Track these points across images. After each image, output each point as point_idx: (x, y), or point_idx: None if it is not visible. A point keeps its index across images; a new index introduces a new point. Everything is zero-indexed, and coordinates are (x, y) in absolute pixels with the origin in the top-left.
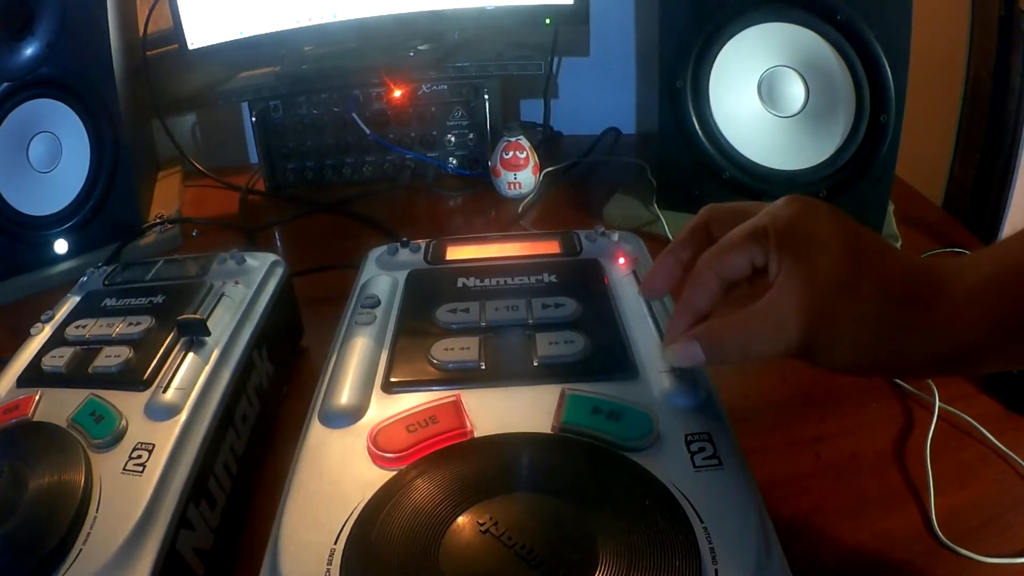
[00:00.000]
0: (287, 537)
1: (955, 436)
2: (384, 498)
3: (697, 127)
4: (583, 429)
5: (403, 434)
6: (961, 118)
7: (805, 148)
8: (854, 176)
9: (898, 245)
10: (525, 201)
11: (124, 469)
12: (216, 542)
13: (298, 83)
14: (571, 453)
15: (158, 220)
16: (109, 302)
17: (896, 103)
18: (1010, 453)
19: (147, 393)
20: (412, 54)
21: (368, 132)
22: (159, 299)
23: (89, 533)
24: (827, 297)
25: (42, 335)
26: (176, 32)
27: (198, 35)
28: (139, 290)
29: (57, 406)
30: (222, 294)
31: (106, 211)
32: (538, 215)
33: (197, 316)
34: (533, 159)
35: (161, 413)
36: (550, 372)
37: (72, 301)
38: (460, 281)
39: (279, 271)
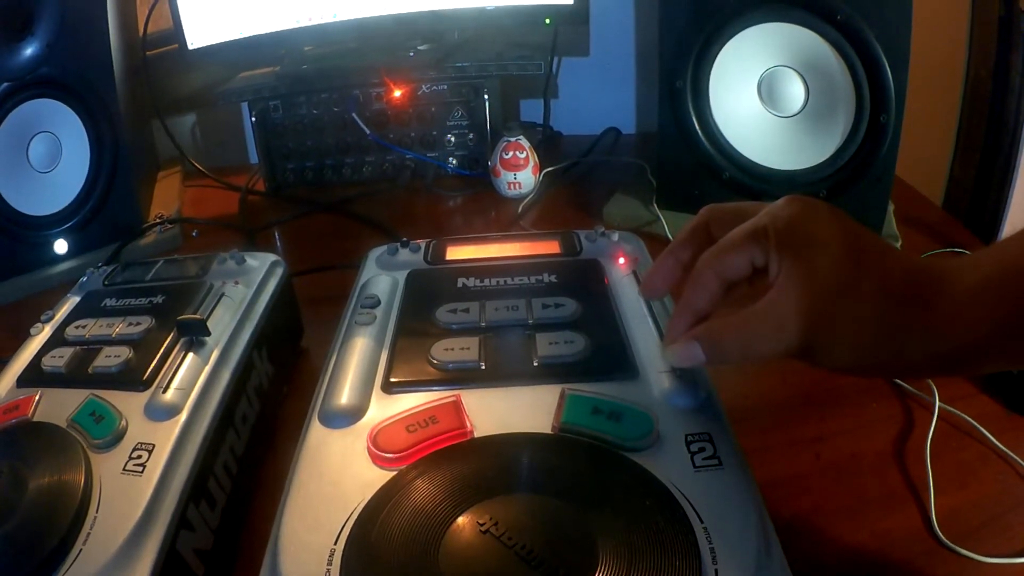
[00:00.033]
0: (287, 537)
1: (955, 436)
2: (384, 498)
3: (697, 127)
4: (583, 429)
5: (403, 434)
6: (961, 118)
7: (805, 148)
8: (854, 176)
9: (898, 245)
10: (525, 201)
11: (124, 469)
12: (216, 542)
13: (298, 83)
14: (571, 453)
15: (158, 220)
16: (109, 302)
17: (896, 103)
18: (1010, 453)
19: (147, 393)
20: (412, 54)
21: (368, 132)
22: (159, 299)
23: (89, 533)
24: (827, 297)
25: (42, 335)
26: (176, 32)
27: (198, 35)
28: (139, 290)
29: (57, 406)
30: (222, 294)
31: (106, 211)
32: (538, 215)
33: (197, 316)
34: (533, 159)
35: (161, 413)
36: (550, 372)
37: (72, 301)
38: (460, 281)
39: (279, 271)
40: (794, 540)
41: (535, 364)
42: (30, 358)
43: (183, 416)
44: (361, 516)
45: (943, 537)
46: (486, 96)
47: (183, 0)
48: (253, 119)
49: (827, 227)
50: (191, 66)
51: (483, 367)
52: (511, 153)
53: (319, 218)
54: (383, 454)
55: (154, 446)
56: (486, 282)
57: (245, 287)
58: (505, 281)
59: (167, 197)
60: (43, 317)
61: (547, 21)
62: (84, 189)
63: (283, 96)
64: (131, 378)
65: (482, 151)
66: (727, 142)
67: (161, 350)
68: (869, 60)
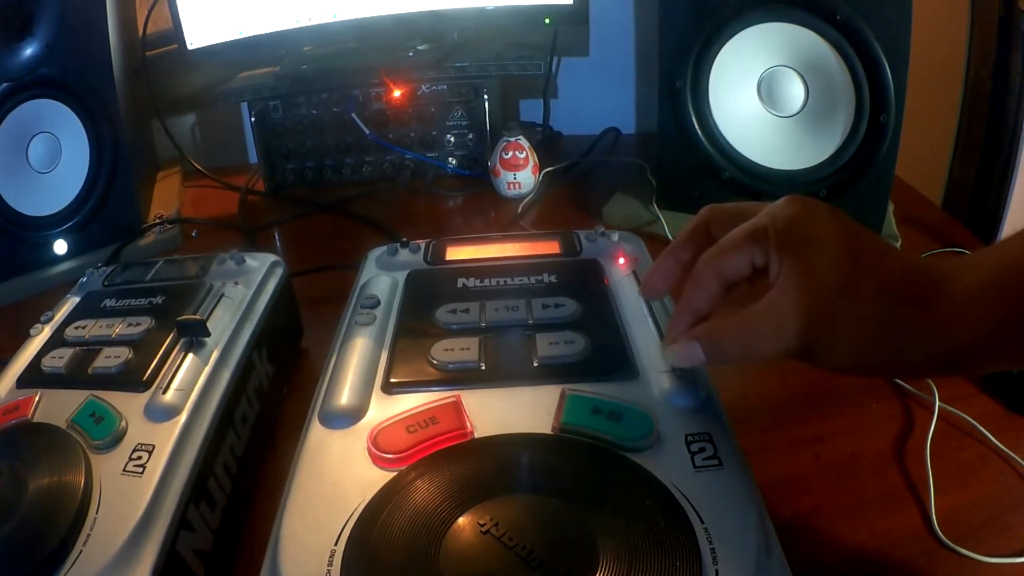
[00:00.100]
0: (287, 538)
1: (955, 436)
2: (384, 499)
3: (697, 127)
4: (583, 429)
5: (403, 435)
6: (961, 118)
7: (805, 148)
8: (854, 176)
9: (898, 245)
10: (525, 201)
11: (124, 470)
12: (216, 543)
13: (298, 83)
14: (571, 453)
15: (158, 220)
16: (109, 303)
17: (896, 103)
18: (1010, 453)
19: (147, 394)
20: (412, 54)
21: (368, 132)
22: (159, 300)
23: (89, 534)
24: (827, 297)
25: (42, 336)
26: (175, 32)
27: (197, 35)
28: (139, 291)
29: (57, 407)
30: (222, 295)
31: (106, 211)
32: (538, 215)
33: (197, 317)
34: (533, 159)
35: (161, 414)
36: (550, 372)
37: (72, 302)
38: (460, 281)
39: (279, 271)
40: (794, 540)
41: (535, 364)
42: (30, 359)
43: (183, 417)
44: (361, 517)
45: (943, 537)
46: (486, 96)
47: (183, 0)
48: (253, 119)
49: (827, 227)
50: (191, 66)
51: (483, 367)
52: (511, 153)
53: (319, 218)
54: (383, 455)
55: (154, 447)
56: (486, 282)
57: (245, 287)
58: (505, 281)
59: (167, 197)
60: (43, 318)
61: (547, 21)
62: (84, 189)
63: (283, 96)
64: (131, 379)
65: (482, 151)
66: (727, 142)
67: (161, 351)
68: (869, 60)
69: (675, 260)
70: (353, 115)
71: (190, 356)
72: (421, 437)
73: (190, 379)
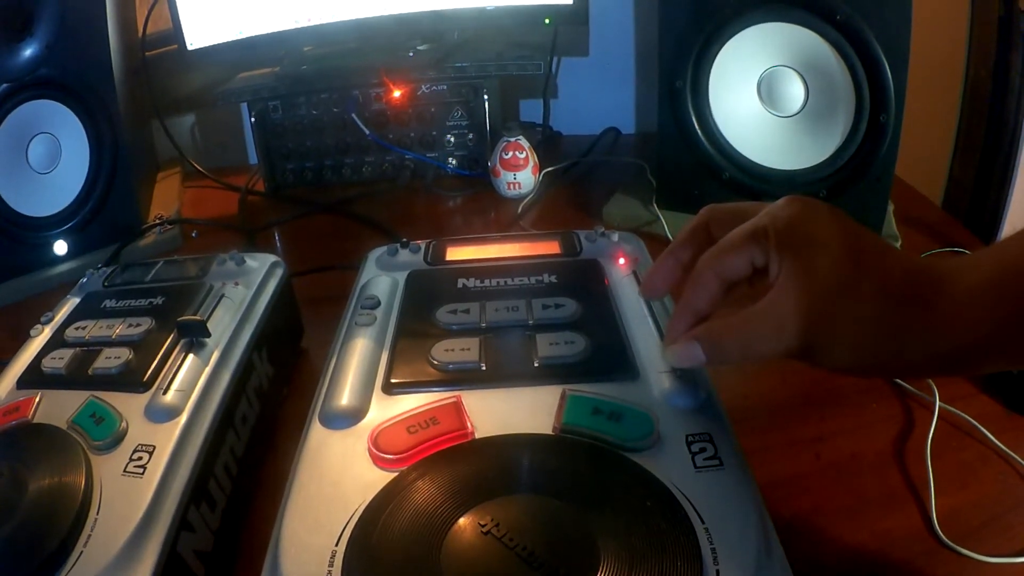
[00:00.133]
0: (288, 539)
1: (955, 436)
2: (385, 500)
3: (697, 127)
4: (584, 430)
5: (404, 435)
6: (961, 118)
7: (805, 148)
8: (854, 176)
9: (898, 245)
10: (525, 201)
11: (124, 471)
12: (217, 544)
13: (297, 83)
14: (572, 454)
15: (158, 221)
16: (109, 303)
17: (896, 103)
18: (1010, 453)
19: (147, 395)
20: (412, 54)
21: (368, 132)
22: (159, 300)
23: (90, 535)
24: (827, 297)
25: (42, 336)
26: (175, 33)
27: (197, 35)
28: (139, 291)
29: (57, 408)
30: (222, 295)
31: (106, 212)
32: (538, 215)
33: (197, 317)
34: (533, 159)
35: (161, 415)
36: (551, 373)
37: (72, 302)
38: (460, 282)
39: (279, 272)
40: (794, 540)
41: (535, 365)
42: (30, 360)
43: (183, 417)
44: (362, 517)
45: (943, 537)
46: (486, 96)
47: (182, 1)
48: (253, 119)
49: (827, 227)
50: (190, 66)
51: (484, 368)
52: (511, 153)
53: (319, 218)
54: (384, 455)
55: (154, 447)
56: (486, 283)
57: (245, 288)
58: (505, 282)
59: (167, 198)
60: (43, 318)
61: (547, 21)
62: (84, 190)
63: (283, 96)
64: (131, 379)
65: (482, 151)
66: (727, 142)
67: (161, 351)
68: (869, 60)
69: (675, 260)
70: (353, 115)
71: (190, 357)
72: (422, 438)
73: (190, 380)
